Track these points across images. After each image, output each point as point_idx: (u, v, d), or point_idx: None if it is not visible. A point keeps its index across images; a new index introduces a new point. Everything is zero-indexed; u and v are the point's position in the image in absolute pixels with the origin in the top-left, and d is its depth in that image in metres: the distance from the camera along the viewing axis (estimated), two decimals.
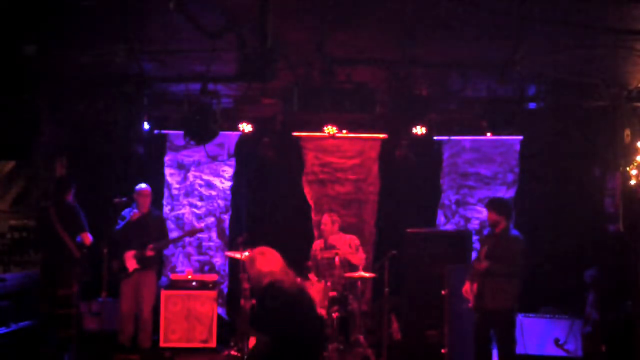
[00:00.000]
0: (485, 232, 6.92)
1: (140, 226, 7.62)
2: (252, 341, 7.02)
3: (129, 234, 7.58)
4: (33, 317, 7.29)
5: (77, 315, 7.32)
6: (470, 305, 6.67)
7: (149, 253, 7.61)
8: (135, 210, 7.64)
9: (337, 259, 7.75)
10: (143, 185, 7.76)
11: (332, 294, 7.48)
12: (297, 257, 8.29)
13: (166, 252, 8.96)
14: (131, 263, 7.58)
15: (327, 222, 8.14)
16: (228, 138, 9.09)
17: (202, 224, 9.05)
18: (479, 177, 9.08)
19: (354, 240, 8.17)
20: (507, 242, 6.51)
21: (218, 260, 9.16)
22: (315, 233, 9.17)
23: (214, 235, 9.19)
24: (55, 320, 7.11)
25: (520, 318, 7.80)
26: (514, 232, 6.61)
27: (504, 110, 6.98)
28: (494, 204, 6.76)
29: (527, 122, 7.50)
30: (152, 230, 7.72)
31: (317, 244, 8.27)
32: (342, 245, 8.01)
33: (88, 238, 7.29)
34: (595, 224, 7.96)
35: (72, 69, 6.32)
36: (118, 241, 7.55)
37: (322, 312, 7.36)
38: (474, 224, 9.01)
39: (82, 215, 7.39)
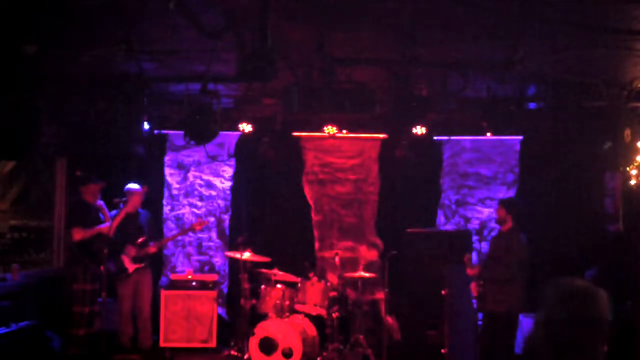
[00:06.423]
0: (494, 232, 6.96)
1: (136, 226, 7.62)
2: (252, 341, 7.07)
3: (124, 234, 7.55)
4: (33, 317, 7.27)
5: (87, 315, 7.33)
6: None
7: (152, 249, 7.63)
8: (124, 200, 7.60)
9: (337, 258, 7.75)
10: (136, 186, 7.73)
11: (332, 294, 7.48)
12: (297, 257, 8.31)
13: (166, 252, 8.96)
14: (130, 264, 7.57)
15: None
16: (228, 138, 9.09)
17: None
18: (479, 177, 9.08)
19: None
20: (511, 243, 6.52)
21: (218, 260, 9.15)
22: (316, 233, 9.17)
23: (214, 235, 9.19)
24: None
25: (520, 318, 7.79)
26: (522, 235, 6.62)
27: (504, 110, 6.96)
28: (503, 201, 6.85)
29: (527, 122, 7.49)
30: (147, 230, 7.73)
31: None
32: None
33: (70, 234, 7.35)
34: (595, 224, 7.96)
35: (72, 69, 6.31)
36: (114, 241, 7.52)
37: (322, 312, 7.37)
38: (474, 224, 9.01)
39: (73, 212, 7.46)
